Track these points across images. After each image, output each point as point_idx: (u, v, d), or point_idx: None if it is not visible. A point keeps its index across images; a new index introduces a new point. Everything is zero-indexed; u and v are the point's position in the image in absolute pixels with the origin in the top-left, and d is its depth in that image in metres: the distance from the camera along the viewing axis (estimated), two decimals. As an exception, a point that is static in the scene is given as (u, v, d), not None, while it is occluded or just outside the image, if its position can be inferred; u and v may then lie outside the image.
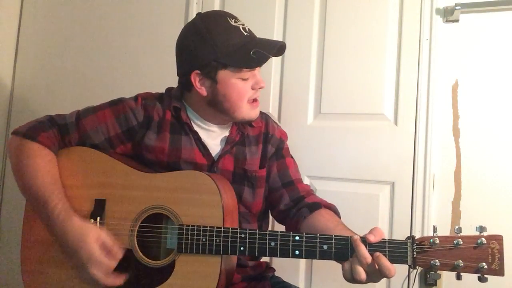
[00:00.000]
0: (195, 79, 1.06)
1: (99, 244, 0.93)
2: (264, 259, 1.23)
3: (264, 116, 1.24)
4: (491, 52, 1.39)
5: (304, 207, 1.11)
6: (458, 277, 0.82)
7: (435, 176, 1.40)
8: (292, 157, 1.24)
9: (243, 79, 1.05)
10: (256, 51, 1.01)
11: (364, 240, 0.85)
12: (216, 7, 1.66)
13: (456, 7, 1.39)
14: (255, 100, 1.10)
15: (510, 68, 1.36)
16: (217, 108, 1.09)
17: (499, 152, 1.35)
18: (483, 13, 1.40)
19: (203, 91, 1.06)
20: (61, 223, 0.94)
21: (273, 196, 1.18)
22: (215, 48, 1.02)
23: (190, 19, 1.65)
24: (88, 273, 0.92)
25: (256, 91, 1.09)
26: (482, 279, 0.80)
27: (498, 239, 0.79)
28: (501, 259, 0.78)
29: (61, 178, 1.03)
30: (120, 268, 0.97)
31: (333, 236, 0.89)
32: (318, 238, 0.89)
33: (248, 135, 1.16)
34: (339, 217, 1.10)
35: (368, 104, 1.46)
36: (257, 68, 1.08)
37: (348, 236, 0.87)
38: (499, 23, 1.38)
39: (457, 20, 1.42)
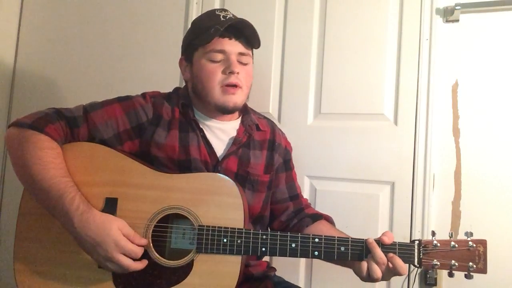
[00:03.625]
0: (181, 64, 1.16)
1: (123, 233, 0.93)
2: (265, 258, 1.23)
3: (270, 123, 1.25)
4: (491, 52, 1.39)
5: (306, 217, 1.17)
6: (450, 275, 0.92)
7: (435, 176, 1.40)
8: (294, 168, 1.29)
9: (213, 61, 1.07)
10: (215, 29, 1.04)
11: (377, 242, 0.93)
12: (216, 7, 1.65)
13: (456, 7, 1.39)
14: (231, 86, 1.07)
15: (510, 68, 1.36)
16: (196, 93, 1.12)
17: (499, 152, 1.35)
18: (483, 13, 1.40)
19: (186, 75, 1.15)
20: (81, 215, 0.91)
21: (278, 207, 1.21)
22: (191, 31, 1.13)
23: (190, 19, 1.67)
24: (115, 261, 0.91)
25: (228, 76, 1.06)
26: (468, 277, 0.92)
27: (483, 243, 0.92)
28: (485, 259, 0.91)
29: (70, 174, 0.99)
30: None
31: (349, 239, 0.96)
32: (336, 240, 0.95)
33: (253, 138, 1.17)
34: (335, 227, 1.19)
35: (368, 104, 1.46)
36: (233, 53, 1.06)
37: (363, 239, 0.95)
38: (499, 23, 1.38)
39: (457, 20, 1.42)
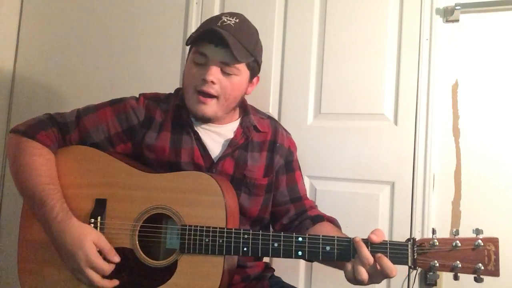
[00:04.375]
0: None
1: (97, 247, 0.94)
2: (264, 259, 1.23)
3: (273, 123, 1.22)
4: (491, 52, 1.38)
5: (307, 219, 1.13)
6: (456, 278, 0.84)
7: (435, 176, 1.40)
8: (300, 169, 1.24)
9: (196, 63, 1.04)
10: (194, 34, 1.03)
11: (366, 241, 0.87)
12: (216, 7, 1.66)
13: (456, 7, 1.39)
14: (203, 94, 1.03)
15: (510, 68, 1.36)
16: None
17: (499, 152, 1.35)
18: (483, 13, 1.40)
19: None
20: (58, 224, 0.94)
21: (279, 209, 1.18)
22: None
23: (190, 19, 1.68)
24: (84, 275, 0.93)
25: (202, 84, 1.02)
26: (478, 280, 0.82)
27: (494, 241, 0.82)
28: (497, 260, 0.81)
29: (61, 177, 1.02)
30: (120, 267, 0.97)
31: (335, 237, 0.91)
32: (320, 239, 0.91)
33: (252, 140, 1.14)
34: (340, 230, 1.13)
35: (368, 104, 1.46)
36: (214, 60, 1.01)
37: (350, 238, 0.89)
38: (499, 23, 1.38)
39: (457, 20, 1.42)
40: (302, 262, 1.49)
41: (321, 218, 1.13)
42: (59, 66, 1.87)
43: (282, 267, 1.32)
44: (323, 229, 1.08)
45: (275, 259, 1.45)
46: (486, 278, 0.83)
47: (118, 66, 1.78)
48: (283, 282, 1.21)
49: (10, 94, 1.93)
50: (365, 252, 0.85)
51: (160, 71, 1.70)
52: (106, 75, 1.79)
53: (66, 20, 1.88)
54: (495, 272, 0.81)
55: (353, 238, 0.89)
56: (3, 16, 1.89)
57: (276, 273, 1.25)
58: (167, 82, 1.68)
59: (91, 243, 0.93)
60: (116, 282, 0.96)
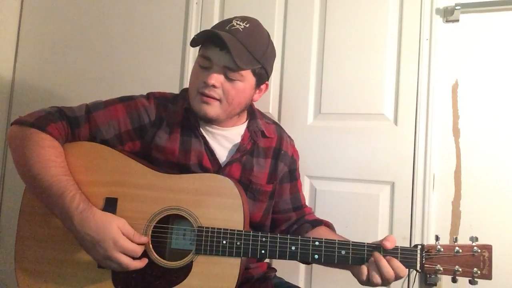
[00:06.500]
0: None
1: (122, 232, 0.93)
2: (265, 260, 1.23)
3: (278, 129, 1.21)
4: (491, 52, 1.39)
5: (306, 223, 1.16)
6: (454, 280, 0.91)
7: (435, 176, 1.40)
8: (300, 177, 1.25)
9: (200, 66, 1.04)
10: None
11: (379, 246, 0.93)
12: (216, 7, 1.66)
13: (456, 7, 1.39)
14: (205, 95, 1.02)
15: (510, 68, 1.36)
16: None
17: (499, 152, 1.35)
18: (483, 13, 1.40)
19: None
20: (81, 214, 0.92)
21: (280, 217, 1.19)
22: None
23: (190, 19, 1.68)
24: (115, 260, 0.91)
25: (204, 87, 1.02)
26: (472, 282, 0.91)
27: (488, 248, 0.90)
28: (490, 265, 0.90)
29: (71, 173, 0.99)
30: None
31: (350, 242, 0.94)
32: (336, 244, 0.94)
33: (258, 146, 1.14)
34: (336, 233, 1.16)
35: (368, 104, 1.46)
36: (218, 65, 1.01)
37: (364, 243, 0.94)
38: (499, 23, 1.38)
39: (457, 20, 1.42)
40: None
41: (319, 222, 1.16)
42: (59, 66, 1.87)
43: (282, 267, 1.32)
44: (322, 233, 1.11)
45: (275, 260, 1.45)
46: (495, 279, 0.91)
47: (118, 66, 1.78)
48: (287, 283, 1.21)
49: (10, 94, 1.93)
50: (386, 265, 0.90)
51: (160, 71, 1.70)
52: (106, 75, 1.79)
53: (66, 20, 1.89)
54: (488, 276, 0.90)
55: (374, 253, 0.92)
56: (3, 16, 1.89)
57: (277, 273, 1.25)
58: (167, 82, 1.68)
59: (117, 227, 0.92)
60: (144, 261, 0.95)
